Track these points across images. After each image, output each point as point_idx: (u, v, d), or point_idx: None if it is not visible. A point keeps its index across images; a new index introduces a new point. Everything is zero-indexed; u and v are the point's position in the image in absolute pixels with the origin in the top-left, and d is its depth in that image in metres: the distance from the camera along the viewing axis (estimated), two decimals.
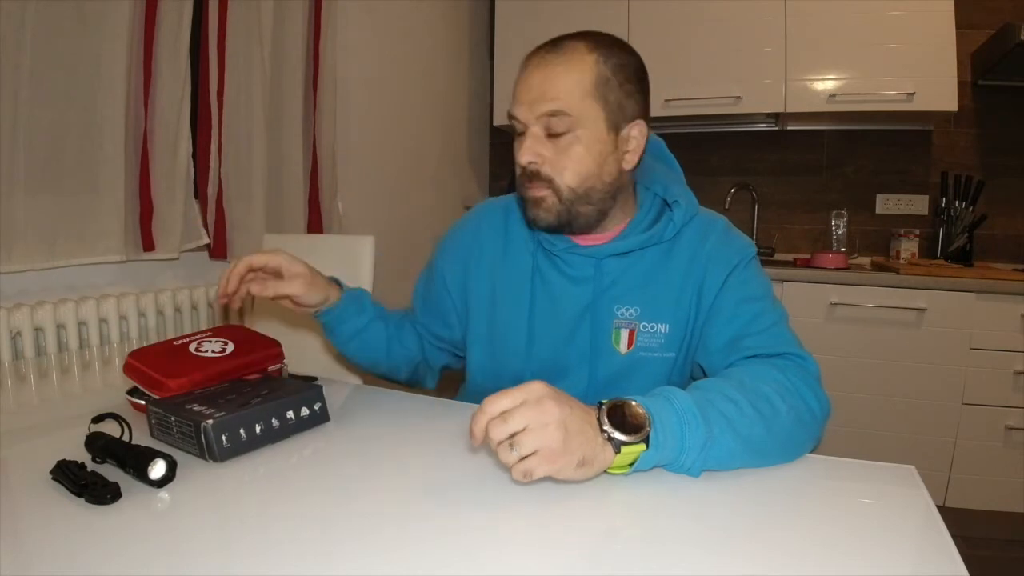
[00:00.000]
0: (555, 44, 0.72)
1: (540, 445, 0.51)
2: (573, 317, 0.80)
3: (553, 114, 0.70)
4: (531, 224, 0.77)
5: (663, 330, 0.78)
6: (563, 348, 0.81)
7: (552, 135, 0.71)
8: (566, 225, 0.75)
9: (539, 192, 0.73)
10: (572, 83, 0.69)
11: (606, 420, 0.54)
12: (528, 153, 0.71)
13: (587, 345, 0.79)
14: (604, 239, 0.80)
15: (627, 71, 0.73)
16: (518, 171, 0.75)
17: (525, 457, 0.51)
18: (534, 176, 0.72)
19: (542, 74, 0.70)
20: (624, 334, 0.78)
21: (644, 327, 0.78)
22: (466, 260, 0.88)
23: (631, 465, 0.56)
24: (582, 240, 0.80)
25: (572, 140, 0.71)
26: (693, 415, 0.56)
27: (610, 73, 0.71)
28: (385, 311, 0.92)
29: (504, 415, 0.52)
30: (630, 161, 0.75)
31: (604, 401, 0.56)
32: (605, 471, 0.55)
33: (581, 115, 0.70)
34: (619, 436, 0.53)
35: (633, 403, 0.56)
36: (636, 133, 0.74)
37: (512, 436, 0.52)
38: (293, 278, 0.78)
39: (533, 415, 0.52)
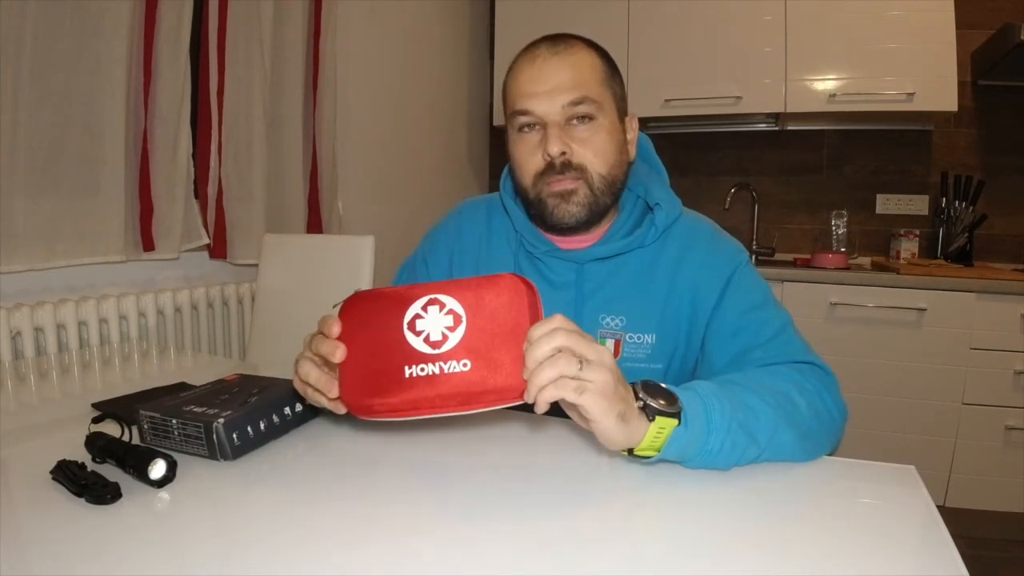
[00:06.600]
0: (555, 40, 0.72)
1: (597, 379, 0.50)
2: None
3: (579, 101, 0.69)
4: (558, 223, 0.73)
5: (649, 340, 0.76)
6: None
7: (573, 126, 0.71)
8: (592, 219, 0.74)
9: (571, 184, 0.71)
10: (590, 71, 0.71)
11: (641, 390, 0.53)
12: (558, 143, 0.69)
13: None
14: (586, 243, 0.78)
15: (615, 68, 0.76)
16: (536, 167, 0.72)
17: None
18: (565, 167, 0.70)
19: (556, 65, 0.70)
20: (610, 344, 0.76)
21: (630, 338, 0.76)
22: (450, 257, 0.87)
23: (658, 450, 0.54)
24: (563, 243, 0.78)
25: (596, 128, 0.71)
26: (718, 397, 0.55)
27: (610, 66, 0.74)
28: None
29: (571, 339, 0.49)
30: (631, 153, 0.78)
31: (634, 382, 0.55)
32: (633, 453, 0.54)
33: (602, 101, 0.71)
34: (654, 404, 0.52)
35: (662, 384, 0.55)
36: (634, 125, 0.78)
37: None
38: None
39: (597, 353, 0.50)
